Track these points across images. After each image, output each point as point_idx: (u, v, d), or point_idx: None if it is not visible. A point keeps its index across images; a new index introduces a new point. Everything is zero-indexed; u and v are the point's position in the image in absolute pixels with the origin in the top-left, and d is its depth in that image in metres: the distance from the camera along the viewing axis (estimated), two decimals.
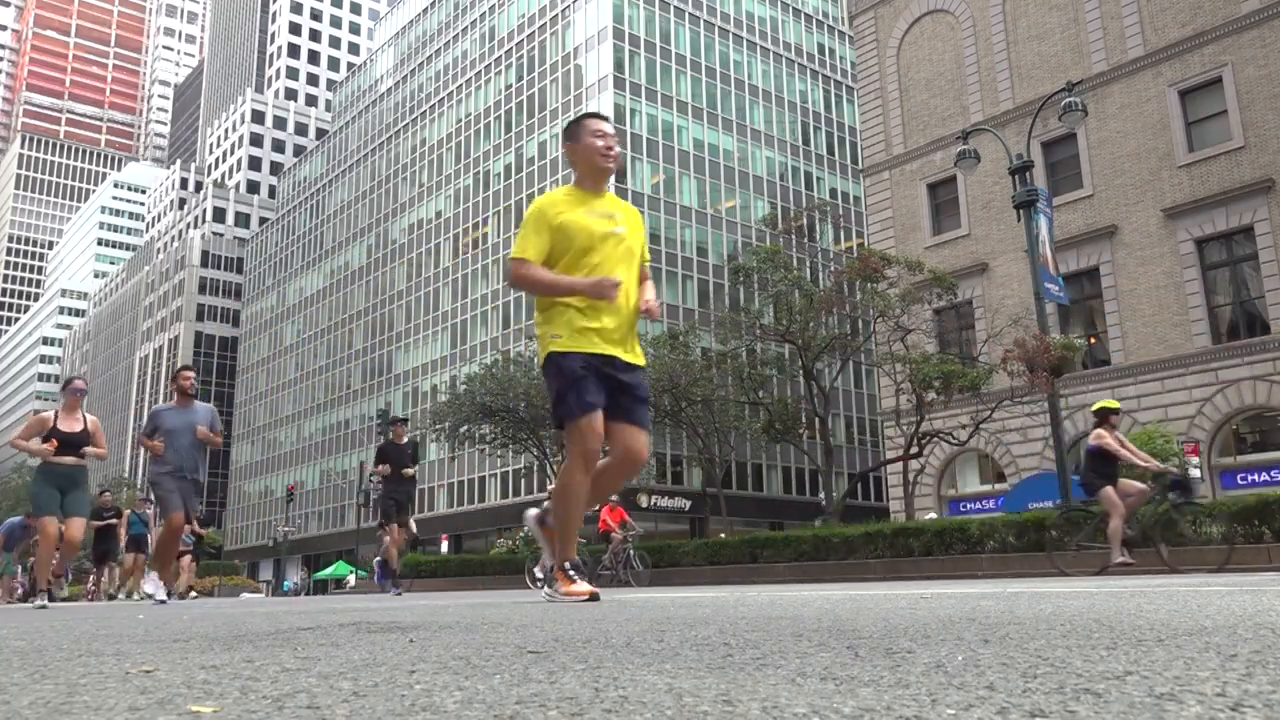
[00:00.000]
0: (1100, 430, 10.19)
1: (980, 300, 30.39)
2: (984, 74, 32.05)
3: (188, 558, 18.11)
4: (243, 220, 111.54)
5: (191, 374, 9.09)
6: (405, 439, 12.19)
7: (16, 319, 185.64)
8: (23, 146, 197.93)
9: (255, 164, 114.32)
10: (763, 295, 29.04)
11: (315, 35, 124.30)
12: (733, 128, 63.83)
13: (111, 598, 18.39)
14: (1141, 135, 27.95)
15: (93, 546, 18.63)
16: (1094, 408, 10.65)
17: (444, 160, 71.91)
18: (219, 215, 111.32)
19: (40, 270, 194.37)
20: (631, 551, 15.92)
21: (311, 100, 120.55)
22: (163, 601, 8.60)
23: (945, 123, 32.59)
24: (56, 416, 8.48)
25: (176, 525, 8.53)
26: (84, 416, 8.62)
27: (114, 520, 17.93)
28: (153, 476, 8.78)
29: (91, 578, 25.10)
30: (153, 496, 20.20)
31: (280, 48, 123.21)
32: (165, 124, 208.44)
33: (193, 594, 19.96)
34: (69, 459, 8.34)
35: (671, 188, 59.51)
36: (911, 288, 26.35)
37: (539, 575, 15.03)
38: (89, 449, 8.52)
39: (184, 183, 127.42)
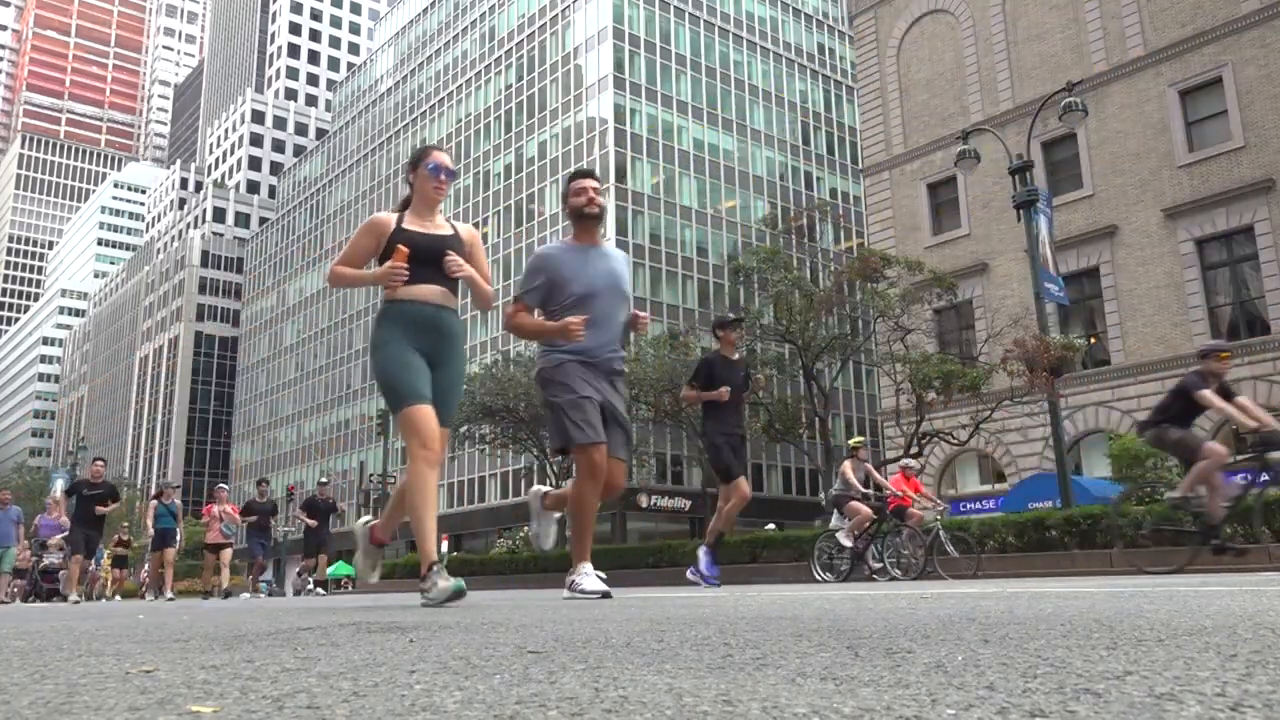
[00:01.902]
0: None
1: (980, 300, 30.40)
2: (984, 74, 32.05)
3: (228, 551, 16.02)
4: (243, 220, 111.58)
5: (594, 183, 5.09)
6: (737, 354, 8.63)
7: (16, 319, 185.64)
8: (23, 146, 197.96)
9: (255, 164, 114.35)
10: (763, 295, 29.04)
11: (315, 35, 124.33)
12: (733, 128, 63.83)
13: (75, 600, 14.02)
14: (1141, 135, 27.95)
15: (70, 530, 14.50)
16: None
17: None
18: (219, 215, 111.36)
19: (40, 270, 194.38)
20: (942, 532, 12.13)
21: (311, 100, 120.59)
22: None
23: (945, 123, 32.59)
24: (401, 217, 4.46)
25: (600, 464, 4.81)
26: (450, 222, 4.59)
27: (100, 494, 13.92)
28: (546, 373, 4.94)
29: (114, 576, 21.37)
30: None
31: (280, 48, 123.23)
32: (165, 124, 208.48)
33: (243, 594, 17.50)
34: (434, 289, 4.35)
35: (671, 188, 59.51)
36: (911, 288, 26.34)
37: (845, 543, 11.60)
38: (461, 267, 4.36)
39: (184, 183, 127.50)
